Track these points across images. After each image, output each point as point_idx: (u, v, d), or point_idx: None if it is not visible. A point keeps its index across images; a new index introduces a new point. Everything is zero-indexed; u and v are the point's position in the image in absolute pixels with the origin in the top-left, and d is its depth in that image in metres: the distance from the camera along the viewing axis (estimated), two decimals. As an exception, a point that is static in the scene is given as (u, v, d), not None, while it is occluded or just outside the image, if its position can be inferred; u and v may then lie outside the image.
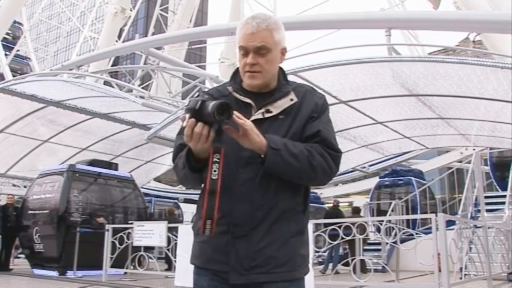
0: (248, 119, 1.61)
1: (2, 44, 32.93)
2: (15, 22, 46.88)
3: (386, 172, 17.81)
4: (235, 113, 1.51)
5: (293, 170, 1.59)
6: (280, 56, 1.75)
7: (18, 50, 40.58)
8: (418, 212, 14.87)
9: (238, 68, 1.79)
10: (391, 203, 14.86)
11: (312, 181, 1.71)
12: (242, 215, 1.59)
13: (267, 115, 1.66)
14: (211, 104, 1.46)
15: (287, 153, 1.56)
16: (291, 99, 1.70)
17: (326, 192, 22.69)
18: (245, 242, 1.59)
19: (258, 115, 1.66)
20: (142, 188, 20.72)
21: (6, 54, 34.25)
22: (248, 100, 1.69)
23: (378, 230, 9.06)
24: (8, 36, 43.64)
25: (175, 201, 19.71)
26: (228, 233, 1.60)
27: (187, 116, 1.50)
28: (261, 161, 1.57)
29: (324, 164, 1.63)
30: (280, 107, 1.68)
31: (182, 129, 1.71)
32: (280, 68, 1.79)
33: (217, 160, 1.51)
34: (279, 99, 1.70)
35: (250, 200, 1.59)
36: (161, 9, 35.23)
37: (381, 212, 15.87)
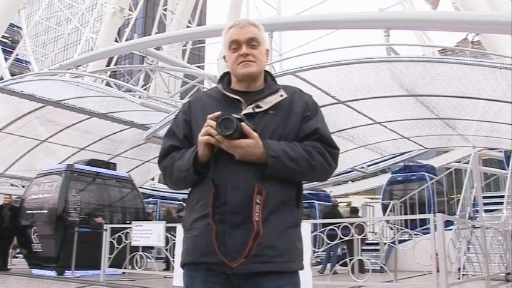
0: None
1: (2, 49, 32.96)
2: (14, 26, 47.12)
3: (398, 168, 17.41)
4: (243, 124, 1.57)
5: (293, 173, 1.64)
6: (266, 55, 1.80)
7: (17, 54, 40.57)
8: (432, 209, 14.65)
9: (225, 72, 1.84)
10: (403, 198, 14.75)
11: (312, 179, 1.78)
12: (238, 203, 1.59)
13: (257, 110, 1.68)
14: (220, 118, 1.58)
15: (287, 159, 1.60)
16: (281, 95, 1.73)
17: (335, 191, 22.66)
18: (242, 230, 1.57)
19: (248, 110, 1.68)
20: (146, 188, 20.76)
21: (5, 58, 34.25)
22: (237, 96, 1.72)
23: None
24: (6, 40, 43.69)
25: (181, 202, 19.65)
26: (224, 222, 1.59)
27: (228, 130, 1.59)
28: (262, 168, 1.60)
29: (323, 163, 1.66)
30: (270, 103, 1.71)
31: (170, 131, 1.80)
32: (267, 71, 1.83)
33: (259, 202, 1.58)
34: (269, 96, 1.73)
35: (246, 187, 1.59)
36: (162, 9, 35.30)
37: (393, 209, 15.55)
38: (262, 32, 1.78)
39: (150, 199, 20.26)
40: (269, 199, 1.60)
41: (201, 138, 1.60)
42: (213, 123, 1.59)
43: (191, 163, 1.63)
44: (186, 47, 32.85)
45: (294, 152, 1.61)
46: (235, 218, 1.58)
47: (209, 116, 1.61)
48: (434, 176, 16.17)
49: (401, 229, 7.88)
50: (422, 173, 16.24)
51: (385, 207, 15.67)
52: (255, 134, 1.58)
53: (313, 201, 17.80)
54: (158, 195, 20.61)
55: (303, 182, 1.77)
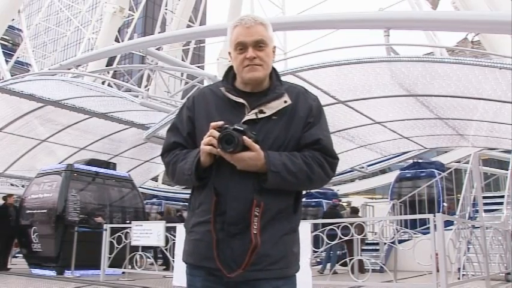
0: (241, 119, 1.65)
1: (2, 52, 33.00)
2: (14, 29, 47.13)
3: (407, 164, 16.99)
4: (245, 138, 1.57)
5: (292, 186, 1.66)
6: (272, 54, 1.77)
7: (18, 57, 40.60)
8: (441, 206, 14.40)
9: (230, 67, 1.80)
10: (413, 195, 14.47)
11: (308, 189, 1.80)
12: (237, 214, 1.61)
13: (260, 116, 1.67)
14: (227, 130, 1.59)
15: (286, 173, 1.61)
16: (285, 101, 1.71)
17: (342, 189, 22.54)
18: (240, 240, 1.60)
19: (251, 115, 1.67)
20: (150, 189, 20.68)
21: (6, 61, 34.28)
22: (241, 100, 1.70)
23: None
24: (7, 43, 43.68)
25: (186, 203, 19.56)
26: (223, 230, 1.62)
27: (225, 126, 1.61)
28: (262, 179, 1.61)
29: (322, 175, 1.68)
30: (274, 108, 1.69)
31: (173, 125, 1.80)
32: (273, 68, 1.80)
33: (257, 214, 1.60)
34: (273, 100, 1.70)
35: (245, 199, 1.61)
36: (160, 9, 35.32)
37: (403, 206, 14.96)
38: (269, 31, 1.74)
39: (154, 200, 20.16)
40: (267, 210, 1.62)
41: (204, 147, 1.61)
42: (216, 133, 1.59)
43: (193, 169, 1.64)
44: (188, 47, 32.88)
45: (294, 165, 1.62)
46: (233, 229, 1.61)
47: (212, 124, 1.61)
48: (443, 173, 15.58)
49: (401, 228, 7.87)
50: (432, 169, 15.70)
51: (393, 205, 15.20)
52: (257, 146, 1.59)
53: (320, 199, 17.56)
54: (163, 196, 20.50)
55: None
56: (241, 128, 1.59)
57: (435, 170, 15.59)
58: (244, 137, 1.57)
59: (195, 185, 1.71)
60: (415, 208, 14.39)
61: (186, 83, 14.99)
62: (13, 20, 37.80)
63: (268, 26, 1.74)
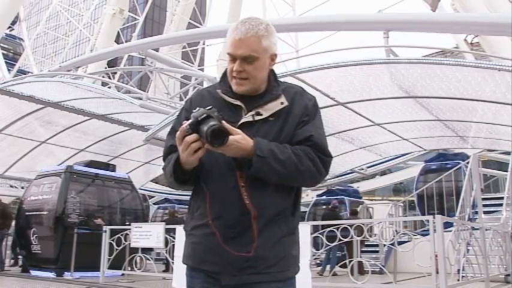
0: (238, 121, 1.64)
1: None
2: (15, 38, 47.21)
3: (433, 156, 16.39)
4: (224, 124, 1.54)
5: (279, 176, 1.60)
6: (270, 62, 1.73)
7: (20, 66, 40.68)
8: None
9: (227, 69, 1.79)
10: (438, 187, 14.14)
11: (299, 184, 1.73)
12: (233, 217, 1.60)
13: (257, 118, 1.66)
14: (209, 124, 1.51)
15: (273, 160, 1.57)
16: (281, 103, 1.69)
17: (362, 186, 22.34)
18: (237, 244, 1.60)
19: (248, 117, 1.66)
20: (161, 193, 20.52)
21: (8, 70, 34.35)
22: (238, 102, 1.69)
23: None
24: (8, 53, 43.77)
25: None
26: (220, 234, 1.61)
27: (188, 122, 1.55)
28: (248, 165, 1.58)
29: (312, 169, 1.63)
30: (271, 110, 1.68)
31: (173, 129, 1.77)
32: (271, 70, 1.77)
33: (243, 185, 1.59)
34: (270, 102, 1.69)
35: (241, 203, 1.60)
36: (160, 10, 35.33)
37: (428, 199, 14.65)
38: (264, 42, 1.66)
39: (167, 204, 19.95)
40: (264, 213, 1.61)
41: (193, 157, 1.55)
42: (192, 138, 1.53)
43: (171, 170, 1.63)
44: (196, 47, 32.91)
45: (283, 154, 1.59)
46: (230, 232, 1.60)
47: (180, 131, 1.56)
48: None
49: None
50: (458, 161, 14.81)
51: (419, 198, 14.90)
52: (238, 130, 1.57)
53: (342, 197, 17.10)
54: (175, 200, 20.30)
55: (299, 188, 1.75)
56: (217, 115, 1.54)
57: (461, 162, 14.67)
58: (223, 122, 1.53)
59: (177, 188, 1.73)
60: (442, 202, 13.96)
61: (186, 84, 14.99)
62: (12, 29, 37.85)
63: (264, 36, 1.66)
